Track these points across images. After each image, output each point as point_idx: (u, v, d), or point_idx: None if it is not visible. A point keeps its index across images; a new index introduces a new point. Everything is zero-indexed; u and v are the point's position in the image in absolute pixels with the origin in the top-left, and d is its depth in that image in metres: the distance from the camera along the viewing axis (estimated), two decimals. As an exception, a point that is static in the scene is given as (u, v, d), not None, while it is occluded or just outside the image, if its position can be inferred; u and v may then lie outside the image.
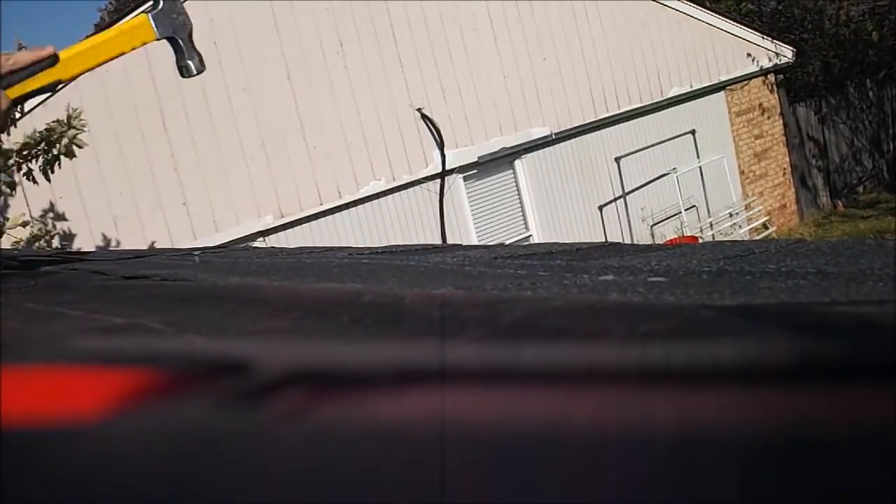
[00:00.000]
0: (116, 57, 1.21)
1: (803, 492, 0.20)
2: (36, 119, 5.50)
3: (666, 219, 10.66)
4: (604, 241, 1.23)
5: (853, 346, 0.29)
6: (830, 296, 0.53)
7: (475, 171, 8.97)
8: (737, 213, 11.35)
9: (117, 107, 6.87)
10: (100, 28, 7.38)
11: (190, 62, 1.28)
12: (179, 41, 1.26)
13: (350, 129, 8.04)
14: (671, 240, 9.93)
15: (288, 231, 7.46)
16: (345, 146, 8.00)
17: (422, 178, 8.50)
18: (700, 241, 8.30)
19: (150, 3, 1.25)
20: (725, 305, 0.49)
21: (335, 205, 7.93)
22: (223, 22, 7.37)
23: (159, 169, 6.79)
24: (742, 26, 11.78)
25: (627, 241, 8.35)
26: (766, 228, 11.40)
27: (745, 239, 8.07)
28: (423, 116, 8.52)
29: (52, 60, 1.11)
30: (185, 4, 1.28)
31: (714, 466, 0.22)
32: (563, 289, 0.64)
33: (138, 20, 1.23)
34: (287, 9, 7.73)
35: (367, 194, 8.12)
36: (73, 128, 4.94)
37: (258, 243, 6.89)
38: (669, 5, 10.78)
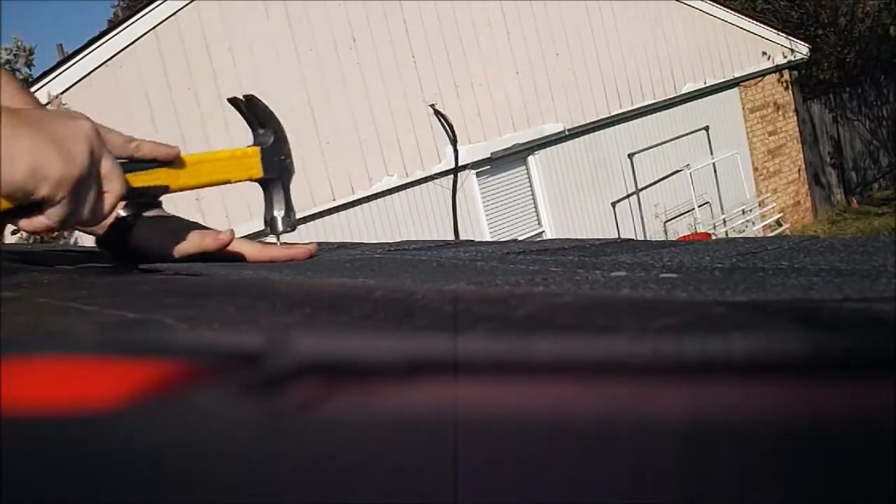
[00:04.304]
0: (221, 183, 1.08)
1: (814, 487, 0.20)
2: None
3: (679, 215, 10.63)
4: (616, 237, 1.23)
5: (866, 343, 0.29)
6: (843, 293, 0.53)
7: (488, 167, 8.96)
8: (750, 210, 11.32)
9: (131, 103, 6.89)
10: (113, 23, 7.40)
11: (279, 216, 1.14)
12: (279, 188, 1.13)
13: (363, 125, 8.04)
14: (684, 236, 9.90)
15: (300, 226, 7.48)
16: (357, 142, 8.00)
17: (434, 174, 8.50)
18: (713, 237, 8.29)
19: (258, 136, 1.13)
20: (738, 302, 0.49)
21: (348, 200, 7.94)
22: (236, 18, 7.38)
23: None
24: (756, 22, 11.73)
25: (640, 238, 8.34)
26: (780, 225, 11.35)
27: (758, 236, 8.04)
28: (436, 112, 8.52)
29: (171, 162, 0.99)
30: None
31: (726, 461, 0.22)
32: (575, 285, 0.64)
33: (251, 150, 1.10)
34: (300, 5, 7.74)
35: (379, 190, 8.13)
36: None
37: (270, 240, 6.89)
38: (683, 1, 10.74)
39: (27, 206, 0.82)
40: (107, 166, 0.87)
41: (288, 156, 1.14)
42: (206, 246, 1.07)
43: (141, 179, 0.96)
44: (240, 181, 1.10)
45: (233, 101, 1.13)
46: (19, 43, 5.74)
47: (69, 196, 0.82)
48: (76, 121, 0.85)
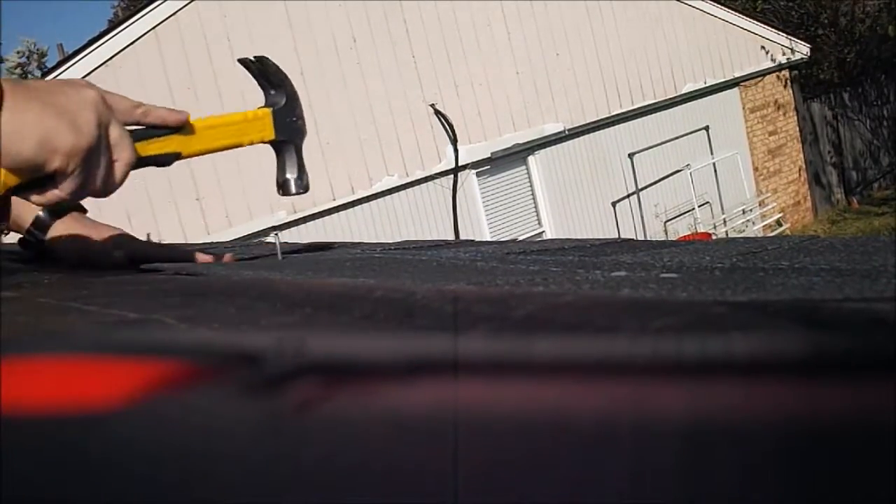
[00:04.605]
0: (234, 147, 1.05)
1: (814, 487, 0.20)
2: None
3: (679, 215, 10.63)
4: (617, 237, 1.23)
5: (866, 343, 0.29)
6: (843, 293, 0.53)
7: (488, 166, 8.96)
8: (750, 210, 11.32)
9: (131, 102, 6.88)
10: (113, 23, 7.40)
11: (291, 178, 1.12)
12: (291, 150, 1.12)
13: (363, 125, 8.04)
14: (684, 236, 9.90)
15: (300, 226, 7.47)
16: (358, 142, 8.00)
17: (435, 174, 8.50)
18: (713, 237, 8.29)
19: (270, 97, 1.11)
20: (738, 302, 0.49)
21: (348, 200, 7.93)
22: (237, 17, 7.38)
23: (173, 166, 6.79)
24: (756, 22, 11.73)
25: (640, 238, 8.34)
26: (780, 225, 11.35)
27: (759, 236, 8.05)
28: (436, 112, 8.51)
29: (182, 128, 0.97)
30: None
31: (726, 461, 0.22)
32: (575, 284, 0.64)
33: (262, 112, 1.08)
34: (300, 5, 7.74)
35: (379, 190, 8.12)
36: None
37: (270, 238, 6.90)
38: (684, 1, 10.74)
39: (38, 179, 0.81)
40: (115, 134, 0.86)
41: (300, 117, 1.12)
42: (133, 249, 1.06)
43: (151, 147, 0.94)
44: (252, 144, 1.07)
45: (244, 62, 1.11)
46: (31, 46, 5.75)
47: (80, 167, 0.81)
48: (82, 89, 0.84)
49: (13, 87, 0.78)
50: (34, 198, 0.83)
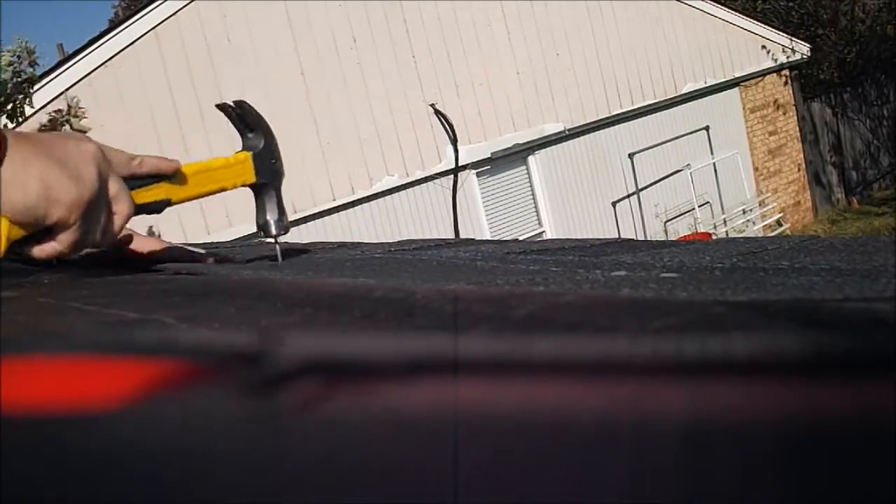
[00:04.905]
0: (218, 192, 1.06)
1: (814, 487, 0.20)
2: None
3: (679, 215, 10.63)
4: (617, 237, 1.23)
5: (866, 343, 0.29)
6: (844, 292, 0.53)
7: (488, 166, 8.96)
8: (750, 210, 11.32)
9: (130, 101, 6.89)
10: (114, 23, 7.39)
11: (272, 220, 1.10)
12: (271, 192, 1.11)
13: (363, 125, 8.04)
14: (684, 236, 9.90)
15: (301, 226, 7.47)
16: (358, 142, 8.00)
17: (435, 174, 8.50)
18: (713, 237, 8.28)
19: (246, 136, 1.11)
20: (738, 301, 0.49)
21: (348, 200, 7.93)
22: (237, 18, 7.38)
23: (173, 164, 6.78)
24: (757, 22, 11.73)
25: (640, 238, 8.33)
26: (780, 225, 11.35)
27: (759, 236, 8.04)
28: (437, 112, 8.51)
29: (173, 176, 0.98)
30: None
31: (726, 461, 0.22)
32: (575, 284, 0.64)
33: (243, 156, 1.09)
34: (300, 5, 7.74)
35: (379, 190, 8.12)
36: (75, 116, 5.01)
37: (271, 238, 6.88)
38: (684, 1, 10.74)
39: (37, 233, 0.81)
40: (114, 187, 0.87)
41: (278, 159, 1.13)
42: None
43: (144, 196, 0.95)
44: (235, 188, 1.09)
45: (222, 107, 1.13)
46: (23, 43, 5.74)
47: (81, 220, 0.81)
48: (82, 143, 0.84)
49: (16, 137, 0.78)
50: (34, 251, 0.82)
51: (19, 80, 5.45)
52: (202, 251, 1.14)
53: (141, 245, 1.07)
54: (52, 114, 5.15)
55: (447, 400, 0.29)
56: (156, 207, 0.98)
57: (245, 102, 1.13)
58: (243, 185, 1.10)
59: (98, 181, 0.83)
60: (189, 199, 1.03)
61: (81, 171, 0.82)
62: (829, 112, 13.25)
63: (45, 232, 0.81)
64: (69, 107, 5.11)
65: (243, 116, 1.12)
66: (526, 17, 9.28)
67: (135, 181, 0.93)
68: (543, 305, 0.39)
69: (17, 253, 0.82)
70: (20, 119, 5.12)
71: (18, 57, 5.52)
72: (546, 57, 9.43)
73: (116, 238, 0.89)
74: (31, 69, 5.40)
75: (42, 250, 0.82)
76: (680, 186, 10.49)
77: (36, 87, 6.04)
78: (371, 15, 8.16)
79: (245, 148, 1.12)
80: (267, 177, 1.11)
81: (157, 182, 0.97)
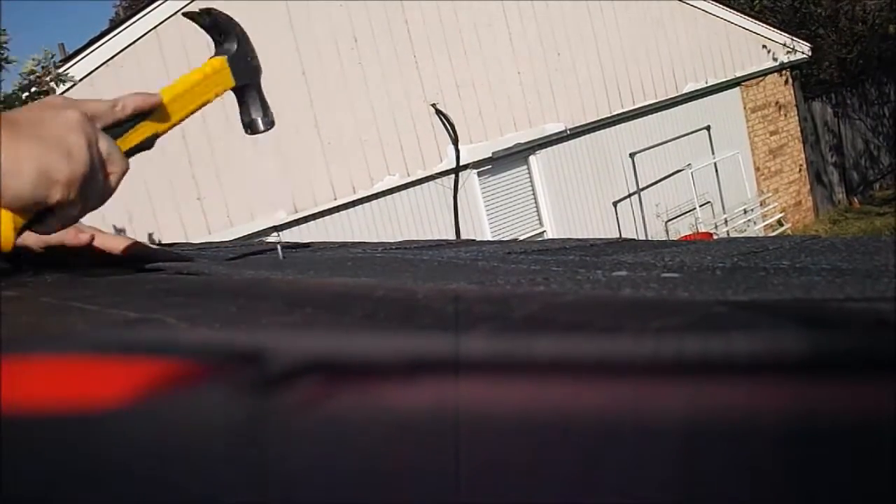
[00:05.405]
0: (202, 106, 1.05)
1: (815, 487, 0.20)
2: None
3: (680, 215, 10.62)
4: (618, 237, 1.23)
5: (867, 342, 0.29)
6: (845, 292, 0.53)
7: (489, 166, 8.96)
8: (751, 210, 11.31)
9: (132, 102, 6.88)
10: (115, 23, 7.40)
11: (257, 118, 1.11)
12: (252, 91, 1.11)
13: (364, 125, 8.04)
14: (685, 236, 9.90)
15: (302, 226, 7.47)
16: (359, 141, 8.00)
17: (436, 174, 8.50)
18: (714, 237, 8.27)
19: (220, 42, 1.11)
20: (739, 301, 0.49)
21: (349, 200, 7.93)
22: (238, 18, 7.37)
23: (173, 163, 6.80)
24: (757, 22, 11.73)
25: (641, 238, 8.32)
26: (781, 225, 11.35)
27: (760, 235, 8.04)
28: (438, 112, 8.51)
29: (155, 110, 0.96)
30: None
31: (726, 461, 0.22)
32: (576, 284, 0.64)
33: (218, 62, 1.08)
34: (301, 5, 7.74)
35: (381, 189, 8.12)
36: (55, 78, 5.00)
37: (272, 238, 6.90)
38: (685, 1, 10.74)
39: (38, 213, 0.80)
40: (105, 148, 0.85)
41: (254, 57, 1.12)
42: (66, 240, 1.04)
43: (132, 139, 0.93)
44: (217, 97, 1.07)
45: (189, 16, 1.11)
46: (49, 55, 5.78)
47: (80, 192, 0.81)
48: (62, 111, 0.82)
49: (6, 123, 0.77)
50: (37, 230, 0.82)
51: (38, 90, 5.45)
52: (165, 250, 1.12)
53: (109, 243, 1.06)
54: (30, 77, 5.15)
55: (448, 400, 0.29)
56: (146, 145, 0.96)
57: (213, 9, 1.11)
58: (224, 91, 1.08)
59: (88, 150, 0.82)
60: (177, 124, 1.01)
61: (71, 145, 0.80)
62: (829, 112, 13.24)
63: (46, 211, 0.80)
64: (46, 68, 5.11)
65: (214, 22, 1.11)
66: (527, 17, 9.28)
67: (120, 128, 0.91)
68: (544, 305, 0.39)
69: (17, 251, 0.82)
70: None
71: (43, 67, 5.52)
72: (547, 56, 9.43)
73: (112, 193, 0.87)
74: (55, 72, 5.41)
75: (45, 227, 0.82)
76: (681, 186, 10.49)
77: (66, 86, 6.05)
78: (372, 15, 8.16)
79: (218, 53, 1.10)
80: (246, 77, 1.10)
81: (142, 121, 0.95)
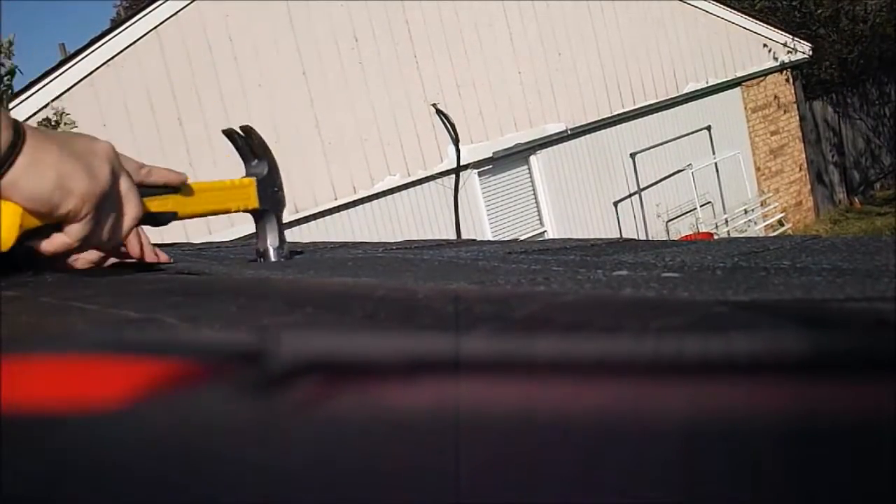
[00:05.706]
0: (221, 212, 1.08)
1: (815, 487, 0.20)
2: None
3: (681, 215, 10.62)
4: (618, 237, 1.23)
5: (868, 342, 0.29)
6: (845, 292, 0.53)
7: (490, 166, 8.96)
8: (752, 210, 11.31)
9: (133, 102, 6.89)
10: (115, 23, 7.40)
11: (272, 248, 1.11)
12: (272, 219, 1.12)
13: (365, 125, 8.04)
14: (686, 236, 9.90)
15: (302, 226, 7.47)
16: (359, 141, 8.01)
17: (436, 174, 8.50)
18: (715, 237, 8.28)
19: (252, 167, 1.13)
20: (739, 301, 0.49)
21: (350, 200, 7.94)
22: (239, 17, 7.38)
23: (174, 164, 6.79)
24: (758, 22, 11.72)
25: (642, 237, 8.33)
26: (782, 225, 11.35)
27: (761, 235, 8.04)
28: (438, 112, 8.51)
29: (180, 188, 0.99)
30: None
31: (726, 461, 0.22)
32: (576, 284, 0.64)
33: (247, 181, 1.10)
34: (302, 4, 7.74)
35: (381, 189, 8.13)
36: (65, 124, 5.03)
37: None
38: (685, 1, 10.74)
39: (46, 227, 0.82)
40: (125, 187, 0.88)
41: (280, 188, 1.14)
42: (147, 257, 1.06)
43: (152, 204, 0.96)
44: (238, 211, 1.10)
45: (228, 133, 1.14)
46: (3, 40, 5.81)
47: (92, 213, 0.82)
48: (97, 141, 0.86)
49: (33, 130, 0.80)
50: (42, 245, 0.83)
51: None
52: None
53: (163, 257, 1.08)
54: (41, 123, 5.20)
55: (448, 400, 0.29)
56: (162, 218, 0.99)
57: (252, 129, 1.14)
58: (245, 210, 1.11)
59: (111, 178, 0.85)
60: (194, 216, 1.03)
61: (95, 166, 0.83)
62: (830, 111, 13.24)
63: (55, 227, 0.82)
64: (56, 113, 5.14)
65: (249, 143, 1.14)
66: (528, 17, 9.28)
67: (143, 189, 0.94)
68: (545, 305, 0.39)
69: (24, 248, 0.83)
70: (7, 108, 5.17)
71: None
72: (548, 56, 9.43)
73: (123, 239, 0.90)
74: (10, 61, 5.46)
75: (50, 243, 0.84)
76: (682, 186, 10.48)
77: (36, 87, 6.04)
78: (373, 15, 8.16)
79: (249, 174, 1.13)
80: (269, 204, 1.12)
81: (165, 194, 0.98)
